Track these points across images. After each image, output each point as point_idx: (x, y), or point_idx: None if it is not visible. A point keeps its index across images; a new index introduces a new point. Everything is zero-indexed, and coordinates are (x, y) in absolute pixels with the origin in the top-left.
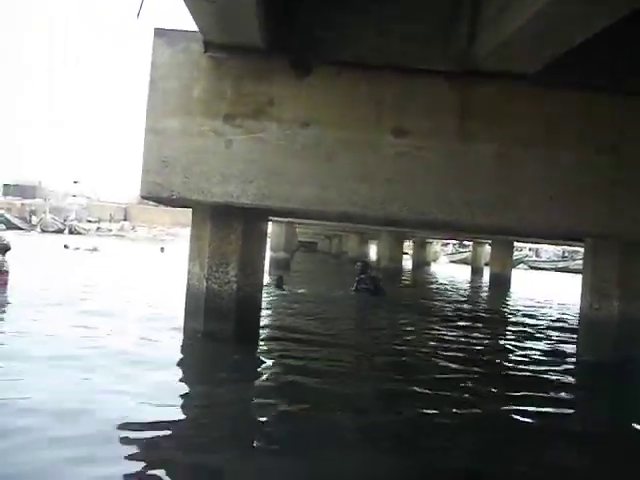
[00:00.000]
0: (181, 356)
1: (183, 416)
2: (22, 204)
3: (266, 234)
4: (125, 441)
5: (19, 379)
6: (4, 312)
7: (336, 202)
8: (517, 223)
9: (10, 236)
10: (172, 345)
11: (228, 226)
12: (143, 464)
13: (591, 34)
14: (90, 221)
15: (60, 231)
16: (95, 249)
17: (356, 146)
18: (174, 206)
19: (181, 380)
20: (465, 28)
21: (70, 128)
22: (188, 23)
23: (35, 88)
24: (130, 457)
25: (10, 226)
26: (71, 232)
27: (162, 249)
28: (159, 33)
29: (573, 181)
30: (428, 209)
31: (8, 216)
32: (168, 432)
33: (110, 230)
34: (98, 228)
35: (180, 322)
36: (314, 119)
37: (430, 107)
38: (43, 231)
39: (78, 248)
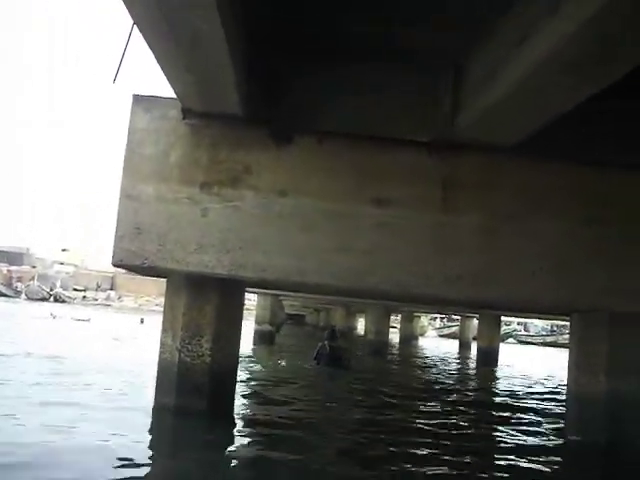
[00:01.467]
0: (149, 436)
1: None
2: (8, 270)
3: (242, 305)
4: None
5: None
6: None
7: (314, 273)
8: (501, 297)
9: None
10: (141, 422)
11: (203, 297)
12: None
13: (573, 105)
14: (76, 289)
15: (46, 299)
16: (88, 319)
17: (335, 216)
18: (147, 275)
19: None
20: (448, 98)
21: (61, 193)
22: (166, 88)
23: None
24: None
25: None
26: (56, 300)
27: (142, 320)
28: (137, 99)
29: (558, 254)
30: (408, 282)
31: None
32: None
33: (96, 299)
34: (84, 297)
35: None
36: (292, 188)
37: (412, 178)
38: (29, 298)
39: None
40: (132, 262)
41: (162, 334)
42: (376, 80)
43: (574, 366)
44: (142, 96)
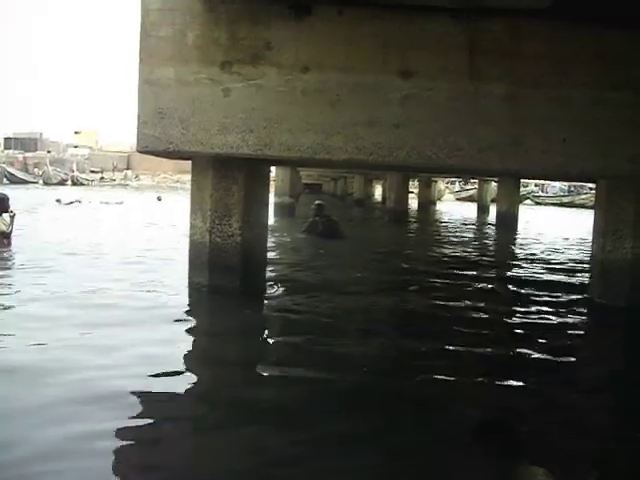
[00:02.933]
0: (187, 309)
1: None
2: (24, 157)
3: (269, 183)
4: (126, 398)
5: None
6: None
7: (341, 149)
8: (529, 166)
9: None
10: (178, 299)
11: (229, 177)
12: (144, 419)
13: None
14: (93, 171)
15: (63, 183)
16: (122, 202)
17: (360, 90)
18: (173, 158)
19: (188, 333)
20: None
21: (70, 77)
22: None
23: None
24: (131, 412)
25: (14, 180)
26: (74, 183)
27: (159, 198)
28: None
29: (587, 121)
30: (437, 154)
31: (11, 170)
32: (172, 390)
33: (113, 180)
34: (102, 178)
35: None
36: (315, 63)
37: (437, 46)
38: (46, 184)
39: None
40: (157, 148)
41: (191, 216)
42: None
43: (600, 232)
44: None
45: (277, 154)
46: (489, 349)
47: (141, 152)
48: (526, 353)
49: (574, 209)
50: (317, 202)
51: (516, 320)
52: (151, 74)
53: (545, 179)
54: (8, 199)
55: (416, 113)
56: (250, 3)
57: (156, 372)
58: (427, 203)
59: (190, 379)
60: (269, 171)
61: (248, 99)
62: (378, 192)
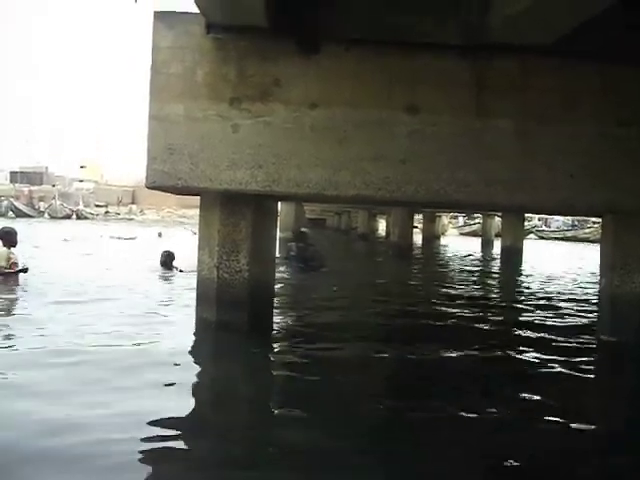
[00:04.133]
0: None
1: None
2: (30, 191)
3: (276, 219)
4: (132, 436)
5: None
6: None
7: (349, 185)
8: (537, 202)
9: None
10: (185, 335)
11: (237, 213)
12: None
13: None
14: (98, 205)
15: (68, 217)
16: (134, 237)
17: (368, 126)
18: (182, 194)
19: (194, 368)
20: None
21: (76, 113)
22: (188, 5)
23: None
24: (137, 451)
25: (19, 214)
26: (79, 217)
27: (159, 234)
28: (159, 16)
29: (594, 156)
30: (444, 190)
31: (17, 204)
32: (178, 424)
33: (118, 214)
34: (106, 212)
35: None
36: (323, 99)
37: (445, 83)
38: (52, 217)
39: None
40: (166, 183)
41: (199, 251)
42: None
43: (608, 267)
44: (164, 12)
45: (286, 190)
46: (494, 394)
47: (150, 188)
48: (537, 401)
49: (578, 243)
50: (301, 229)
51: (525, 361)
52: (161, 110)
53: (551, 214)
54: (16, 233)
55: (422, 148)
56: (258, 41)
57: (160, 414)
58: (431, 238)
59: (196, 417)
60: (277, 207)
61: (257, 135)
62: (382, 227)
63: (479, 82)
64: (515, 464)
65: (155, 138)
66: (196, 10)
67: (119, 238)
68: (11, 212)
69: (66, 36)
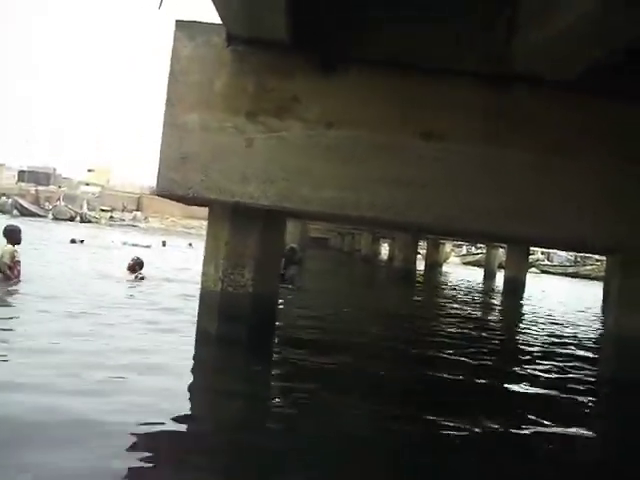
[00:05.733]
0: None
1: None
2: (36, 190)
3: (284, 235)
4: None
5: None
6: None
7: (359, 206)
8: (547, 235)
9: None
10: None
11: (246, 227)
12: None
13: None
14: (103, 210)
15: (72, 219)
16: (149, 246)
17: (381, 149)
18: (190, 204)
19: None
20: (502, 28)
21: (76, 114)
22: (210, 15)
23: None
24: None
25: (24, 212)
26: (82, 220)
27: (164, 243)
28: (180, 26)
29: (608, 194)
30: (455, 217)
31: (22, 202)
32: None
33: (123, 220)
34: (111, 217)
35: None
36: (338, 119)
37: (460, 109)
38: (56, 219)
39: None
40: (176, 192)
41: (204, 263)
42: (425, 10)
43: (614, 305)
44: (185, 22)
45: (296, 207)
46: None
47: (160, 195)
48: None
49: (579, 279)
50: (291, 245)
51: (527, 403)
52: (176, 118)
53: (562, 248)
54: (20, 231)
55: (434, 174)
56: (278, 56)
57: (157, 421)
58: (434, 265)
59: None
60: (285, 223)
61: (270, 150)
62: (384, 250)
63: (495, 110)
64: None
65: (169, 146)
66: (217, 21)
67: (134, 245)
68: (15, 210)
69: (66, 36)
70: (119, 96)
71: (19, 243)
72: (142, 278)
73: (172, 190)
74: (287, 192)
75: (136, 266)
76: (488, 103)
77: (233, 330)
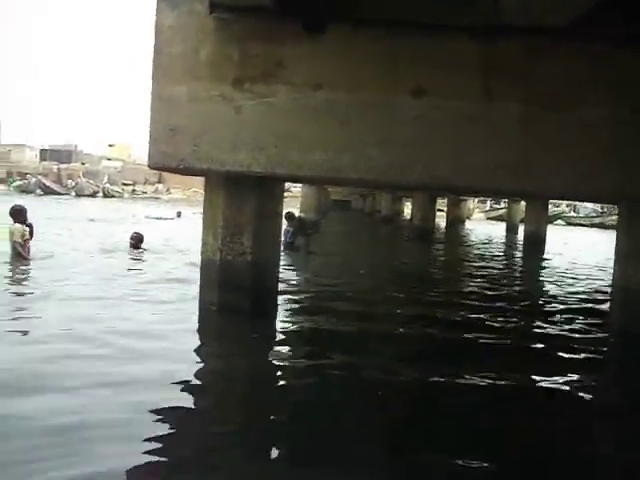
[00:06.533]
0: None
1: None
2: (58, 169)
3: (281, 200)
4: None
5: None
6: None
7: (351, 168)
8: (543, 188)
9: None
10: (186, 317)
11: (241, 194)
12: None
13: None
14: (125, 184)
15: (95, 194)
16: (173, 218)
17: (372, 109)
18: (185, 175)
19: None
20: None
21: (107, 91)
22: None
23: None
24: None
25: (47, 191)
26: (105, 195)
27: (179, 214)
28: None
29: (604, 143)
30: (448, 175)
31: (45, 181)
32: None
33: (145, 192)
34: (133, 191)
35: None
36: (327, 81)
37: (450, 65)
38: (78, 195)
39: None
40: (168, 164)
41: (203, 232)
42: None
43: (622, 256)
44: None
45: (287, 172)
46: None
47: (152, 168)
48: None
49: (605, 230)
50: (299, 216)
51: (538, 350)
52: (163, 91)
53: (557, 199)
54: (26, 211)
55: (427, 133)
56: (262, 21)
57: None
58: (456, 222)
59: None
60: (282, 188)
61: (259, 117)
62: (407, 210)
63: (487, 65)
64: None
65: (157, 119)
66: None
67: (158, 218)
68: (39, 189)
69: (66, 36)
70: (119, 96)
71: (25, 222)
72: (142, 251)
73: (164, 163)
74: (278, 158)
75: (138, 243)
76: (479, 58)
77: (234, 298)
